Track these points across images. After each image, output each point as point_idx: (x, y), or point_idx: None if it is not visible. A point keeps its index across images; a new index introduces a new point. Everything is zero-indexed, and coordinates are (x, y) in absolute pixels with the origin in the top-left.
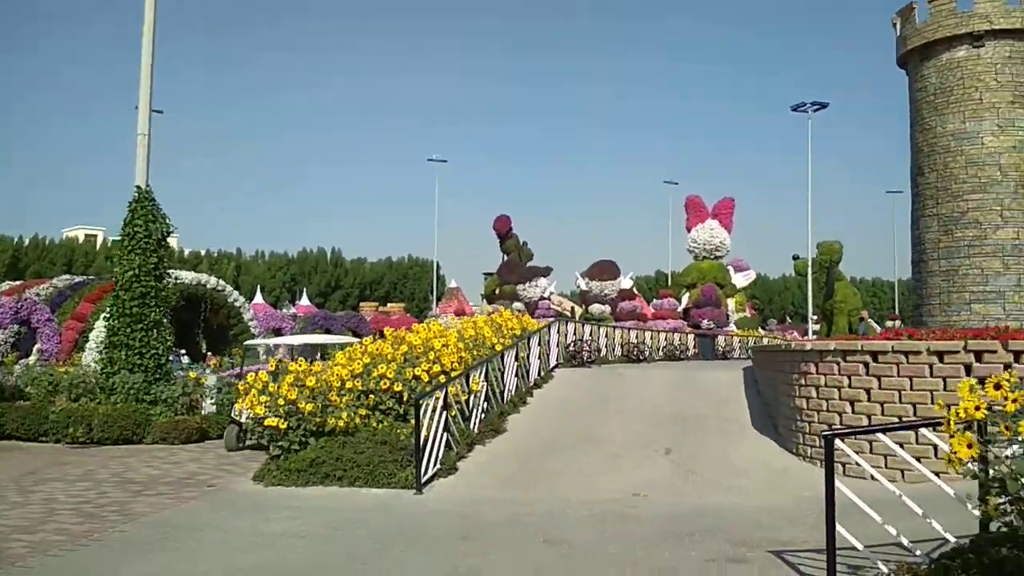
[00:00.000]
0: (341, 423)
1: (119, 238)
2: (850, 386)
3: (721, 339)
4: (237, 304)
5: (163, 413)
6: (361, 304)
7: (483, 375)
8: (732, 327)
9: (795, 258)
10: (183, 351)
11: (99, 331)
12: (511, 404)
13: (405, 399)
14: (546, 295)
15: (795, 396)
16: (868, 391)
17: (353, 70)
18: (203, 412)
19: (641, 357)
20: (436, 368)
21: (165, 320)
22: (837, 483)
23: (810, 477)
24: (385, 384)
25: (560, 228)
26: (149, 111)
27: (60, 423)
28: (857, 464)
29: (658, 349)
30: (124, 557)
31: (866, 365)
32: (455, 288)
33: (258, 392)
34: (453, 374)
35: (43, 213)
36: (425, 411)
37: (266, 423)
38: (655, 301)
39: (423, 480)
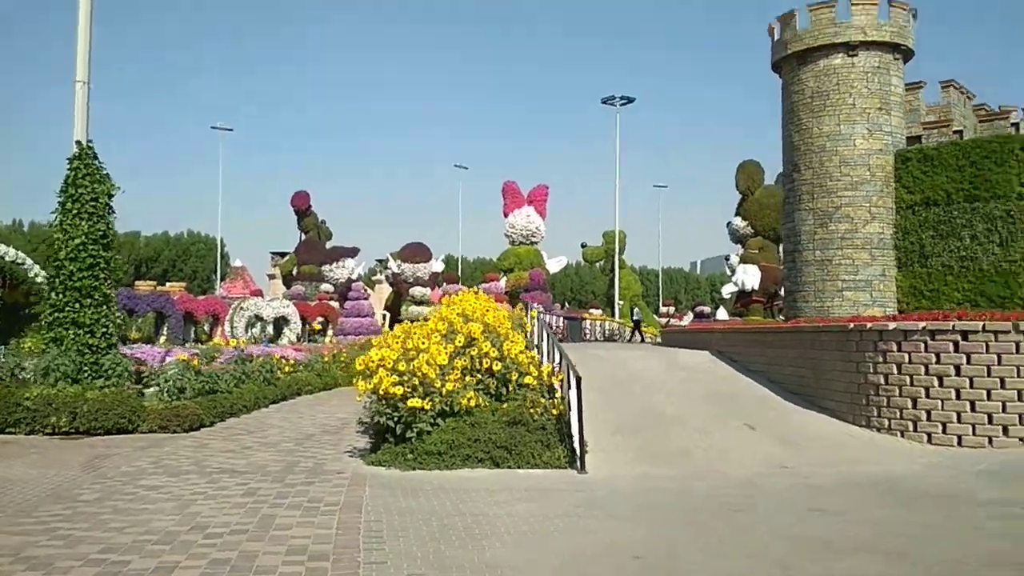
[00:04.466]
0: (472, 403)
1: (60, 200)
2: (938, 362)
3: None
4: (38, 280)
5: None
6: (137, 282)
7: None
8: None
9: (583, 246)
10: None
11: None
12: None
13: (514, 379)
14: (354, 277)
15: (868, 373)
16: (957, 367)
17: (148, 30)
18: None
19: None
20: (517, 348)
21: (113, 294)
22: None
23: (901, 446)
24: (487, 363)
25: (349, 207)
26: (88, 56)
27: (38, 411)
28: None
29: None
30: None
31: (955, 344)
32: (240, 267)
33: (388, 371)
34: (528, 354)
35: None
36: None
37: (409, 403)
38: (482, 285)
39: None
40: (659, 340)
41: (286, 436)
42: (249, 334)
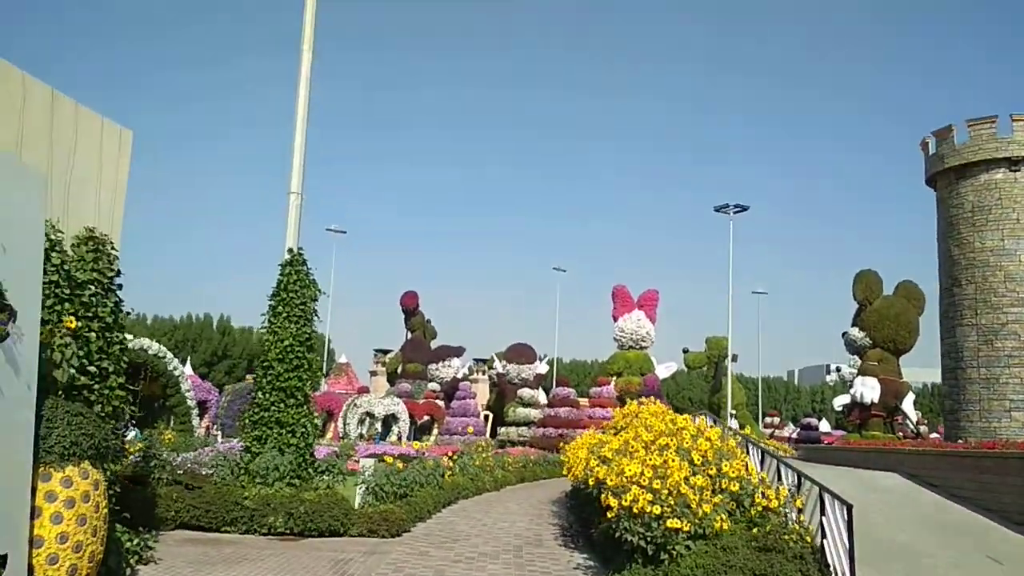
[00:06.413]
0: (727, 526)
1: (271, 303)
2: None
3: None
4: (176, 373)
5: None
6: (248, 376)
7: None
8: None
9: (685, 351)
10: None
11: None
12: None
13: (758, 500)
14: (459, 376)
15: None
16: None
17: (250, 121)
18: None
19: None
20: (751, 467)
21: (312, 395)
22: None
23: None
24: (726, 483)
25: (448, 309)
26: (303, 168)
27: (256, 511)
28: None
29: None
30: None
31: None
32: (345, 363)
33: (642, 488)
34: (761, 474)
35: None
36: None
37: (669, 523)
38: (593, 389)
39: None
40: (795, 455)
41: (494, 547)
42: (359, 431)
